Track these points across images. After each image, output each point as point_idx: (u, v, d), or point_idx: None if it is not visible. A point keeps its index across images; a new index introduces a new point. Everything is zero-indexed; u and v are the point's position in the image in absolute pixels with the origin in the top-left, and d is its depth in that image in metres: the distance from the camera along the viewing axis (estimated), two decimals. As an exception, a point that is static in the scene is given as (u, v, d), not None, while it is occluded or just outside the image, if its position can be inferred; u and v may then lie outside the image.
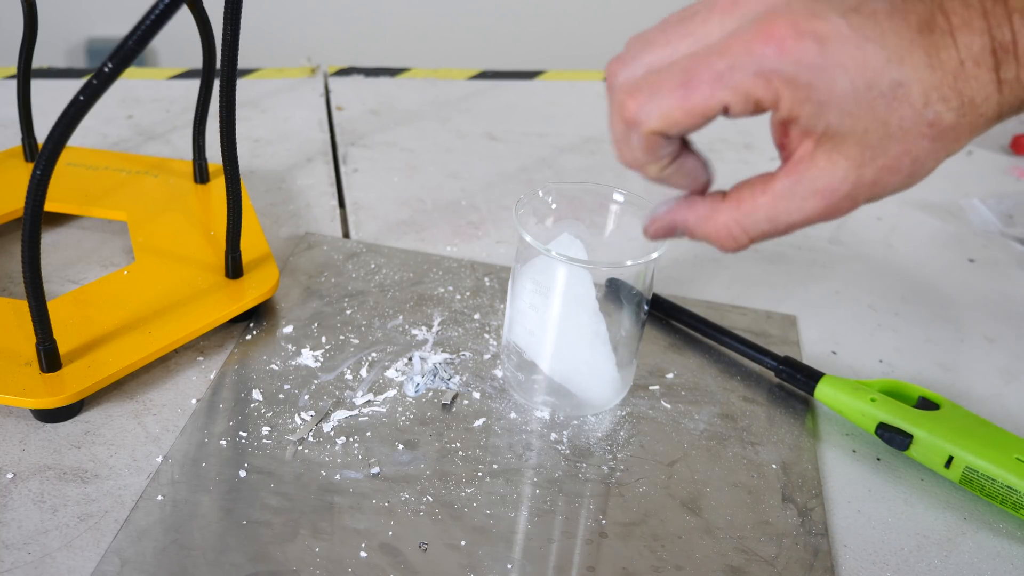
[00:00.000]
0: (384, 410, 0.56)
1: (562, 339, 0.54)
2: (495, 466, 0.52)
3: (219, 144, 0.57)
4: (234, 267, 0.61)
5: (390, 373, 0.58)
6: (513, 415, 0.56)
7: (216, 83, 0.57)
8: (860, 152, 0.37)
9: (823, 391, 0.57)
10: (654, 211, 0.43)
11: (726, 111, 0.37)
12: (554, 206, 0.56)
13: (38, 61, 0.79)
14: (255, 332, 0.61)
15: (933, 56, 0.36)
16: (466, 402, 0.57)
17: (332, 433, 0.53)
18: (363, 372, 0.58)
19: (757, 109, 0.37)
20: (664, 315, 0.65)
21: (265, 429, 0.53)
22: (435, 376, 0.58)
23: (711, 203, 0.41)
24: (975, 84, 0.36)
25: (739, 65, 0.36)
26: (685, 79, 0.36)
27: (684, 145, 0.41)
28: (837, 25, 0.35)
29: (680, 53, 0.38)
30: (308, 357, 0.59)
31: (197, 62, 0.72)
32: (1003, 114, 0.37)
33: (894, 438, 0.54)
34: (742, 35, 0.36)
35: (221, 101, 0.55)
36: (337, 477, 0.51)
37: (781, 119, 0.37)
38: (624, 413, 0.57)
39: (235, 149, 0.58)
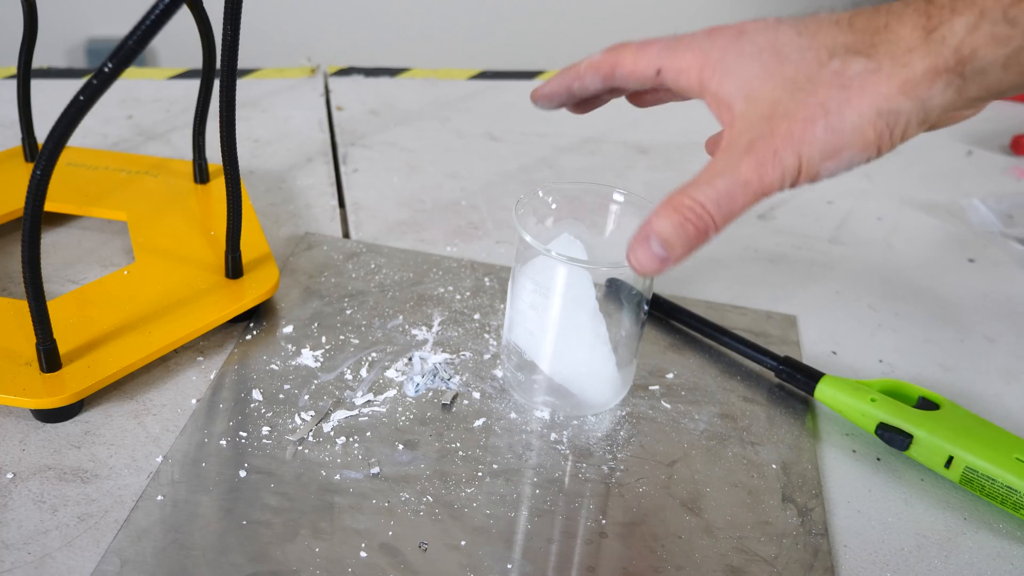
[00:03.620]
0: (384, 410, 0.56)
1: (562, 339, 0.54)
2: (495, 466, 0.52)
3: (219, 144, 0.57)
4: (234, 267, 0.61)
5: (390, 373, 0.58)
6: (513, 415, 0.56)
7: (216, 83, 0.57)
8: (772, 109, 0.40)
9: (823, 391, 0.57)
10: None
11: (660, 73, 0.44)
12: (554, 206, 0.56)
13: (38, 61, 0.79)
14: (255, 332, 0.61)
15: (851, 25, 0.39)
16: (466, 402, 0.57)
17: (332, 433, 0.53)
18: (363, 372, 0.58)
19: (685, 75, 0.43)
20: (664, 315, 0.65)
21: (265, 429, 0.53)
22: (435, 376, 0.58)
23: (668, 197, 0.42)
24: (893, 37, 0.38)
25: (680, 46, 0.43)
26: (644, 44, 0.45)
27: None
28: (761, 22, 0.42)
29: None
30: (308, 357, 0.59)
31: (197, 62, 0.72)
32: (940, 71, 0.37)
33: (894, 438, 0.54)
34: (691, 34, 0.44)
35: (221, 101, 0.55)
36: (337, 477, 0.51)
37: (710, 89, 0.42)
38: (624, 413, 0.57)
39: (235, 149, 0.58)
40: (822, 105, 0.38)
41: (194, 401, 0.55)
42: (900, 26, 0.38)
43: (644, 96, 0.50)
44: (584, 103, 0.49)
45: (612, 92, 0.49)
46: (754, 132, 0.40)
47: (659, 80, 0.45)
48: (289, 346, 0.60)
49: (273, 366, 0.58)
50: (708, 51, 0.42)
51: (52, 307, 0.53)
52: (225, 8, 0.52)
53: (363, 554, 0.46)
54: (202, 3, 0.62)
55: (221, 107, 0.56)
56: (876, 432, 0.55)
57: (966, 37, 0.37)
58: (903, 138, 0.39)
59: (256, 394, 0.56)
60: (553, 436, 0.55)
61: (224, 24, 0.53)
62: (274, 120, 0.93)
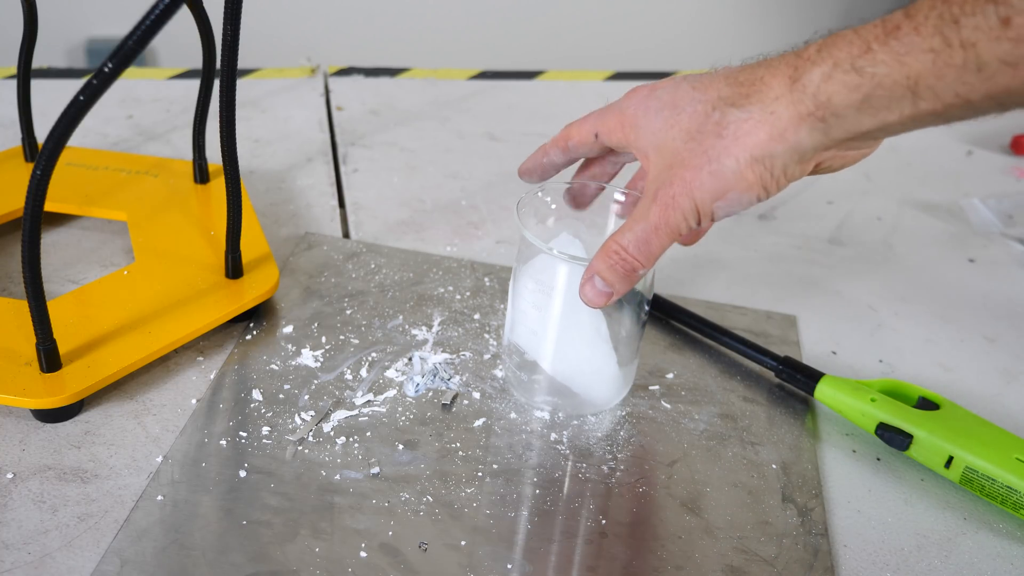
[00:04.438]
0: (384, 410, 0.56)
1: (563, 338, 0.54)
2: (495, 466, 0.52)
3: (219, 144, 0.57)
4: (234, 267, 0.61)
5: (390, 373, 0.58)
6: (513, 415, 0.56)
7: (216, 83, 0.57)
8: (670, 157, 0.46)
9: (823, 391, 0.57)
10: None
11: (598, 137, 0.52)
12: (554, 206, 0.56)
13: (38, 61, 0.79)
14: (255, 332, 0.61)
15: (735, 79, 0.44)
16: (466, 402, 0.57)
17: (332, 433, 0.53)
18: (363, 372, 0.58)
19: (613, 133, 0.51)
20: (664, 315, 0.65)
21: (265, 429, 0.53)
22: (435, 376, 0.58)
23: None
24: (764, 88, 0.43)
25: (607, 114, 0.51)
26: (583, 119, 0.54)
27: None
28: (670, 82, 0.48)
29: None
30: (308, 357, 0.59)
31: (197, 62, 0.72)
32: (804, 116, 0.42)
33: (894, 438, 0.54)
34: None
35: (221, 101, 0.55)
36: (337, 477, 0.51)
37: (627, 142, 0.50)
38: (624, 413, 0.57)
39: (235, 149, 0.58)
40: (706, 153, 0.44)
41: (194, 401, 0.55)
42: (772, 78, 0.43)
43: (585, 194, 0.56)
44: (578, 199, 0.56)
45: (581, 164, 0.57)
46: (660, 181, 0.46)
47: (599, 143, 0.52)
48: (289, 346, 0.60)
49: (273, 366, 0.58)
50: (625, 110, 0.50)
51: (52, 307, 0.53)
52: (225, 8, 0.52)
53: (363, 554, 0.46)
54: (202, 3, 0.62)
55: (221, 107, 0.56)
56: (876, 432, 0.55)
57: (822, 85, 0.41)
58: (787, 178, 0.44)
59: (256, 394, 0.56)
60: (553, 436, 0.55)
61: (224, 24, 0.53)
62: (274, 120, 0.93)
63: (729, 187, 0.44)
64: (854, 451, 0.57)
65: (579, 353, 0.54)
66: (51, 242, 0.69)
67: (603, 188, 0.55)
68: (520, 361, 0.56)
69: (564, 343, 0.54)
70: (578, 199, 0.56)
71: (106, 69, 0.43)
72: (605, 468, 0.53)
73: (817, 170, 0.48)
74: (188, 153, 0.82)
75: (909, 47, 0.38)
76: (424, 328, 0.63)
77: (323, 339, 0.61)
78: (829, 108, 0.41)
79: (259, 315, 0.62)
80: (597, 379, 0.55)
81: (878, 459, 0.56)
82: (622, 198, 0.55)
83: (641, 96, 0.49)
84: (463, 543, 0.47)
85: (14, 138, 0.79)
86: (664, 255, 0.76)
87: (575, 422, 0.56)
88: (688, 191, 0.45)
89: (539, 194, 0.55)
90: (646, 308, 0.54)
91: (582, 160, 0.57)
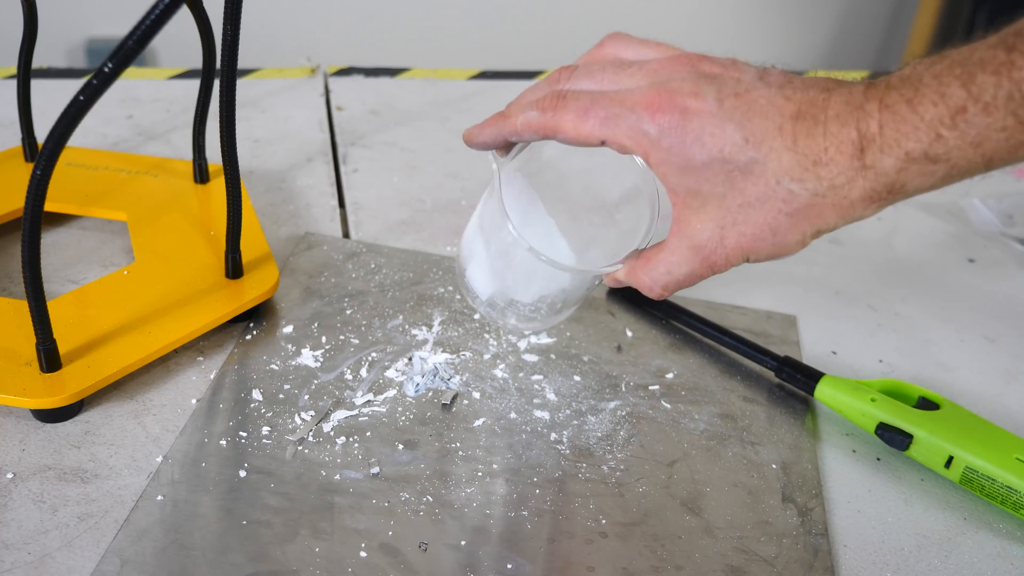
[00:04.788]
0: (384, 410, 0.56)
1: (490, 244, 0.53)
2: (495, 466, 0.52)
3: (219, 144, 0.57)
4: (234, 267, 0.61)
5: (390, 373, 0.58)
6: (513, 415, 0.56)
7: (216, 83, 0.57)
8: (722, 215, 0.44)
9: (823, 391, 0.57)
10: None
11: (604, 144, 0.45)
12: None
13: (38, 61, 0.79)
14: (255, 332, 0.61)
15: (795, 141, 0.42)
16: (466, 402, 0.57)
17: (332, 433, 0.53)
18: (363, 372, 0.58)
19: (630, 152, 0.45)
20: (664, 315, 0.65)
21: (265, 429, 0.53)
22: (435, 376, 0.58)
23: (635, 260, 0.49)
24: (835, 168, 0.41)
25: (621, 117, 0.44)
26: (585, 109, 0.45)
27: None
28: (708, 104, 0.43)
29: (603, 88, 0.46)
30: (308, 357, 0.59)
31: (197, 62, 0.71)
32: (875, 198, 0.41)
33: (894, 438, 0.54)
34: (637, 93, 0.44)
35: (221, 101, 0.55)
36: (337, 477, 0.51)
37: (656, 175, 0.45)
38: (624, 413, 0.57)
39: (235, 149, 0.58)
40: (771, 227, 0.43)
41: (194, 401, 0.55)
42: (839, 155, 0.41)
43: None
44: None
45: None
46: (702, 236, 0.45)
47: (603, 147, 0.47)
48: (289, 346, 0.60)
49: (273, 366, 0.58)
50: (650, 135, 0.44)
51: (52, 307, 0.53)
52: (225, 8, 0.52)
53: (363, 554, 0.46)
54: (202, 3, 0.62)
55: (221, 107, 0.56)
56: (876, 432, 0.55)
57: (896, 177, 0.40)
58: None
59: (256, 394, 0.56)
60: (553, 436, 0.55)
61: (224, 24, 0.53)
62: (274, 120, 0.93)
63: (784, 252, 0.44)
64: (854, 451, 0.57)
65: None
66: (51, 242, 0.69)
67: None
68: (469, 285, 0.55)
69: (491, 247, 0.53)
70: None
71: (106, 69, 0.43)
72: (605, 468, 0.53)
73: None
74: (188, 153, 0.82)
75: (980, 129, 0.38)
76: (424, 328, 0.63)
77: (323, 339, 0.61)
78: (903, 192, 0.41)
79: (259, 315, 0.62)
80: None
81: (878, 459, 0.56)
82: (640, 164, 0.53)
83: (674, 121, 0.43)
84: (463, 543, 0.47)
85: (14, 138, 0.79)
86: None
87: (575, 422, 0.56)
88: (743, 253, 0.45)
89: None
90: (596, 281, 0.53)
91: None
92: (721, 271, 0.46)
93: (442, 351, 0.61)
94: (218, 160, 0.62)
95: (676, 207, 0.45)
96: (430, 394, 0.57)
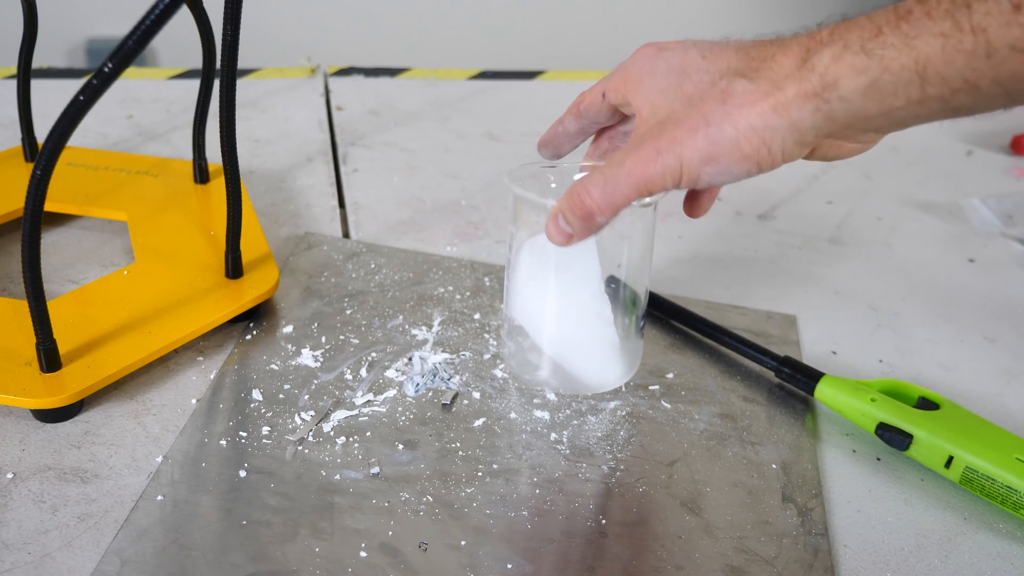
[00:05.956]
0: (384, 410, 0.56)
1: (561, 315, 0.53)
2: (495, 466, 0.52)
3: (219, 144, 0.57)
4: (234, 267, 0.61)
5: (390, 373, 0.58)
6: (513, 415, 0.56)
7: (216, 83, 0.57)
8: (667, 116, 0.46)
9: (823, 391, 0.57)
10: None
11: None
12: (554, 185, 0.55)
13: (38, 61, 0.79)
14: (255, 332, 0.61)
15: (746, 52, 0.45)
16: (466, 402, 0.57)
17: (332, 433, 0.53)
18: (363, 372, 0.58)
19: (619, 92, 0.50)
20: (664, 315, 0.65)
21: (265, 429, 0.53)
22: (435, 376, 0.58)
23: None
24: (776, 67, 0.43)
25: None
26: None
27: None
28: (679, 44, 0.48)
29: None
30: (308, 357, 0.59)
31: (197, 62, 0.72)
32: (809, 95, 0.42)
33: (894, 438, 0.54)
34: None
35: (221, 101, 0.55)
36: (337, 477, 0.51)
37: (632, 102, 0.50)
38: (624, 413, 0.57)
39: (235, 149, 0.58)
40: (705, 116, 0.44)
41: (194, 401, 0.55)
42: (783, 56, 0.43)
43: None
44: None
45: (593, 138, 0.57)
46: (646, 134, 0.46)
47: (607, 103, 0.52)
48: (289, 346, 0.60)
49: (273, 366, 0.58)
50: (630, 68, 0.50)
51: (52, 307, 0.53)
52: (225, 8, 0.52)
53: (363, 554, 0.46)
54: (202, 3, 0.62)
55: (221, 107, 0.56)
56: (876, 432, 0.55)
57: (830, 66, 0.41)
58: (783, 157, 0.44)
59: (256, 394, 0.56)
60: (553, 436, 0.55)
61: (224, 24, 0.53)
62: (274, 120, 0.93)
63: (722, 154, 0.43)
64: (854, 451, 0.57)
65: (578, 330, 0.53)
66: (51, 242, 0.69)
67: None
68: (518, 337, 0.55)
69: (562, 320, 0.53)
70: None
71: (106, 69, 0.43)
72: (605, 468, 0.53)
73: (812, 156, 0.47)
74: (188, 153, 0.82)
75: (919, 30, 0.39)
76: (424, 328, 0.63)
77: (323, 339, 0.61)
78: (836, 90, 0.41)
79: (259, 315, 0.62)
80: (594, 359, 0.54)
81: (878, 459, 0.56)
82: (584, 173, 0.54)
83: (648, 55, 0.49)
84: (463, 543, 0.47)
85: (14, 138, 0.79)
86: (664, 255, 0.76)
87: (575, 422, 0.56)
88: (677, 149, 0.44)
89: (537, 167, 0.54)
90: (641, 305, 0.54)
91: (593, 136, 0.56)
92: (651, 179, 0.45)
93: (442, 351, 0.61)
94: (218, 160, 0.62)
95: (637, 124, 0.48)
96: (430, 394, 0.57)
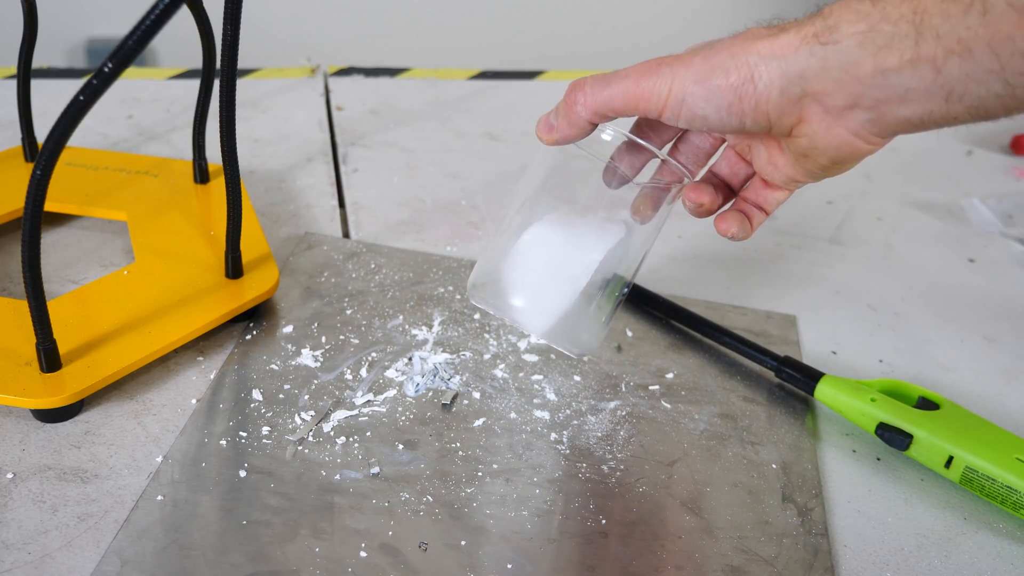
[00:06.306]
0: (384, 410, 0.56)
1: (545, 243, 0.51)
2: (495, 466, 0.52)
3: (219, 144, 0.57)
4: (234, 267, 0.61)
5: (390, 373, 0.58)
6: (513, 415, 0.56)
7: (216, 83, 0.57)
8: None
9: (823, 391, 0.57)
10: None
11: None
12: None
13: (38, 61, 0.79)
14: (255, 332, 0.61)
15: (757, 23, 0.46)
16: (466, 402, 0.57)
17: (332, 433, 0.53)
18: (363, 372, 0.58)
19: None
20: (664, 315, 0.65)
21: (265, 429, 0.53)
22: (435, 376, 0.58)
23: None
24: (784, 25, 0.44)
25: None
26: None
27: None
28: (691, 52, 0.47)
29: None
30: (308, 357, 0.59)
31: (197, 62, 0.72)
32: (806, 38, 0.42)
33: (894, 438, 0.54)
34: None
35: (221, 101, 0.55)
36: (337, 477, 0.51)
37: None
38: (624, 413, 0.57)
39: (235, 149, 0.58)
40: (711, 47, 0.45)
41: (194, 401, 0.55)
42: (791, 18, 0.44)
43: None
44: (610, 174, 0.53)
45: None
46: (662, 58, 0.47)
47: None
48: (289, 346, 0.60)
49: (273, 366, 0.58)
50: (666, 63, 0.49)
51: (52, 307, 0.53)
52: (225, 8, 0.52)
53: (363, 554, 0.46)
54: (202, 3, 0.62)
55: (221, 107, 0.56)
56: (876, 432, 0.55)
57: (835, 9, 0.42)
58: (767, 97, 0.44)
59: (256, 394, 0.56)
60: (553, 436, 0.55)
61: (224, 24, 0.53)
62: (274, 120, 0.93)
63: (711, 75, 0.44)
64: (854, 451, 0.57)
65: (545, 264, 0.51)
66: (51, 242, 0.69)
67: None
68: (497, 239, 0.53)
69: (541, 246, 0.51)
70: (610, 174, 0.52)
71: (106, 69, 0.43)
72: (605, 468, 0.53)
73: (793, 134, 0.46)
74: (188, 153, 0.82)
75: None
76: (424, 328, 0.63)
77: (323, 339, 0.61)
78: (834, 32, 0.41)
79: (259, 315, 0.62)
80: (541, 299, 0.52)
81: (878, 459, 0.56)
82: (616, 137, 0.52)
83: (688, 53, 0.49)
84: (463, 543, 0.47)
85: (14, 138, 0.79)
86: (664, 255, 0.76)
87: (575, 422, 0.56)
88: (677, 66, 0.45)
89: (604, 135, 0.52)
90: (624, 291, 0.53)
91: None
92: (642, 92, 0.46)
93: (442, 351, 0.61)
94: (218, 160, 0.62)
95: None
96: (430, 394, 0.57)
